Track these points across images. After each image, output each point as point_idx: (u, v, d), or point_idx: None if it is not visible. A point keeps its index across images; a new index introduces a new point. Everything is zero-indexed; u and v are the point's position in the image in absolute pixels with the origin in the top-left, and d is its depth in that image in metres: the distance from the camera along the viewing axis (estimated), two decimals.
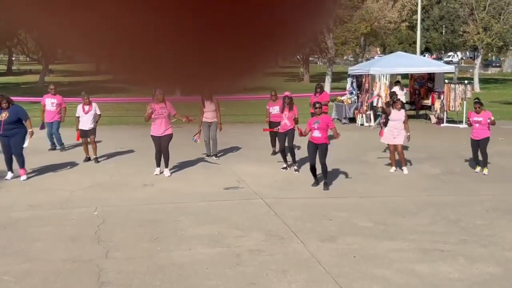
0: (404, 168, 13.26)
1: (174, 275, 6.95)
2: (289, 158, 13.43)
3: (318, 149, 11.59)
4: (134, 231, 8.77)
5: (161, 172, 12.77)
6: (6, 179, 11.99)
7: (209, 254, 7.73)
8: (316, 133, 11.60)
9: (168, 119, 12.75)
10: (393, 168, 13.28)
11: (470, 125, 13.20)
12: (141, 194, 11.16)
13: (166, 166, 12.88)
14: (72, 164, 13.78)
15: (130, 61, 0.62)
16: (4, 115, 11.80)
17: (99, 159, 14.46)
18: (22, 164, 12.17)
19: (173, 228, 8.89)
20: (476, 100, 13.39)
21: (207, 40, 0.59)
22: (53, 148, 15.91)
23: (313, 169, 11.75)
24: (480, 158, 13.02)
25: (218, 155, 15.13)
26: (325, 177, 11.72)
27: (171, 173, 12.89)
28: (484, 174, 12.87)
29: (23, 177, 12.18)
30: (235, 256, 7.64)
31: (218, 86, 0.67)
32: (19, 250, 7.84)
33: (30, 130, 12.14)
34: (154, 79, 0.65)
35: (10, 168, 12.07)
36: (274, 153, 15.23)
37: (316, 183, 11.74)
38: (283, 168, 13.44)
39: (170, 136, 12.75)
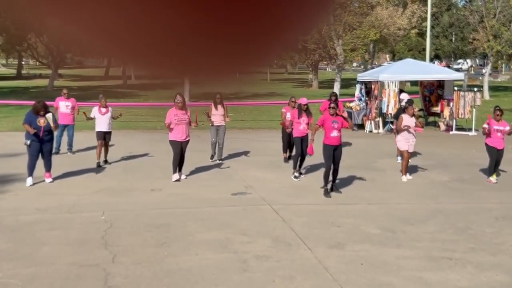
0: (404, 176, 13.17)
1: (181, 280, 6.94)
2: (287, 165, 13.37)
3: (336, 151, 11.52)
4: (141, 235, 8.76)
5: (179, 178, 12.80)
6: (30, 185, 11.95)
7: (216, 259, 7.71)
8: (335, 133, 11.48)
9: (188, 125, 12.87)
10: (404, 177, 13.14)
11: (487, 132, 12.96)
12: (148, 198, 11.16)
13: (180, 169, 13.01)
14: (80, 169, 13.79)
15: (141, 54, 0.63)
16: (43, 121, 11.97)
17: (106, 162, 14.56)
18: (50, 168, 12.44)
19: (180, 233, 8.88)
20: (497, 108, 13.25)
21: (213, 32, 0.60)
22: (57, 152, 15.83)
23: (328, 173, 11.58)
24: (493, 164, 12.97)
25: (223, 159, 15.25)
26: (335, 181, 11.70)
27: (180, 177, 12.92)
28: (495, 182, 12.82)
29: (50, 179, 12.43)
30: (242, 262, 7.62)
31: (223, 74, 0.67)
32: (26, 254, 7.85)
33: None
34: (162, 69, 0.66)
35: (32, 173, 12.09)
36: (286, 159, 15.14)
37: (328, 192, 11.59)
38: (296, 178, 13.13)
39: (188, 142, 12.97)
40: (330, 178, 11.67)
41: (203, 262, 7.60)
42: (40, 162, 12.13)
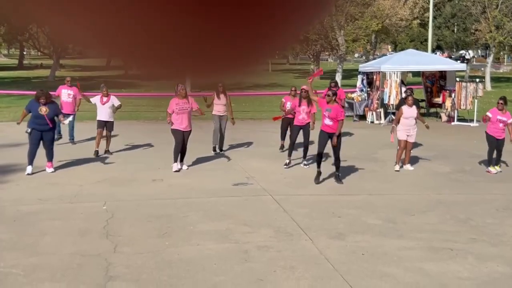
0: (409, 165, 13.18)
1: (182, 271, 6.95)
2: (293, 154, 13.43)
3: (332, 139, 11.51)
4: (143, 226, 8.77)
5: (180, 169, 12.79)
6: (28, 174, 11.98)
7: (217, 250, 7.73)
8: (327, 121, 11.51)
9: (190, 114, 12.84)
10: (397, 166, 13.13)
11: (487, 120, 12.99)
12: (150, 189, 11.17)
13: (182, 159, 13.00)
14: (82, 159, 13.81)
15: (140, 53, 0.63)
16: (45, 109, 11.97)
17: (108, 152, 14.58)
18: (51, 158, 12.41)
19: (181, 224, 8.90)
20: (501, 97, 13.22)
21: (212, 30, 0.60)
22: (59, 138, 15.83)
23: (320, 157, 11.66)
24: (494, 156, 12.95)
25: (225, 150, 15.29)
26: (338, 170, 11.73)
27: (179, 168, 12.89)
28: (500, 171, 12.81)
29: (51, 169, 12.40)
30: (243, 252, 7.64)
31: (225, 71, 0.67)
32: (28, 244, 7.87)
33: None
34: (163, 68, 0.66)
35: (31, 162, 12.09)
36: (282, 148, 15.17)
37: (318, 178, 11.66)
38: (286, 166, 13.25)
39: (190, 133, 12.93)
40: (333, 168, 11.69)
41: (204, 252, 7.62)
42: (41, 152, 12.13)
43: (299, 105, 13.30)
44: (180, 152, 12.82)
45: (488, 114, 13.15)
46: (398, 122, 13.26)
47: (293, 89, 15.15)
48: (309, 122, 13.21)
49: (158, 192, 10.91)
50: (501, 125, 12.80)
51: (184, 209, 9.73)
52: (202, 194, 10.77)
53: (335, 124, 11.51)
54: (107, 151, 14.57)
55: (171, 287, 6.52)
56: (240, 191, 11.08)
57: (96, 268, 7.01)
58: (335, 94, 11.85)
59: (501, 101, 12.92)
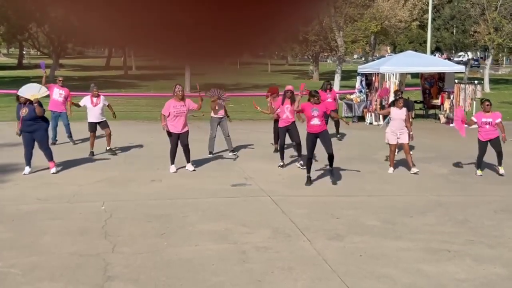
0: (413, 168, 12.92)
1: (181, 271, 6.97)
2: (286, 155, 13.45)
3: (320, 138, 11.46)
4: (142, 226, 8.79)
5: (177, 170, 12.76)
6: (24, 174, 12.01)
7: (216, 250, 7.74)
8: (316, 121, 11.44)
9: (186, 117, 12.79)
10: (391, 169, 13.09)
11: (471, 125, 13.04)
12: (149, 189, 11.18)
13: (188, 161, 12.95)
14: (81, 159, 13.82)
15: (144, 41, 0.65)
16: (24, 111, 11.89)
17: (111, 151, 14.61)
18: (50, 158, 12.29)
19: (180, 224, 8.91)
20: (485, 99, 13.21)
21: (213, 20, 0.61)
22: (54, 142, 15.82)
23: (310, 162, 11.64)
24: (481, 159, 12.88)
25: (224, 150, 15.16)
26: (331, 166, 11.65)
27: (177, 169, 12.84)
28: (502, 175, 12.72)
29: (53, 169, 12.30)
30: (242, 252, 7.65)
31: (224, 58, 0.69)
32: (27, 243, 7.88)
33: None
34: (165, 56, 0.68)
35: (28, 163, 12.08)
36: (277, 150, 15.16)
37: (309, 181, 11.64)
38: (280, 166, 13.29)
39: (188, 133, 12.87)
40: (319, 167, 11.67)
41: (203, 252, 7.63)
42: (40, 152, 12.15)
43: (282, 103, 13.34)
44: (184, 153, 12.80)
45: (473, 118, 13.17)
46: (384, 112, 13.15)
47: (268, 94, 15.24)
48: (294, 121, 13.20)
49: (157, 192, 10.93)
50: (487, 126, 12.71)
51: (183, 209, 9.75)
52: (200, 195, 10.78)
53: (323, 121, 11.48)
54: (110, 149, 14.58)
55: (169, 287, 6.54)
56: (239, 191, 11.10)
57: (94, 268, 7.02)
58: (316, 94, 11.77)
59: (487, 102, 12.87)
